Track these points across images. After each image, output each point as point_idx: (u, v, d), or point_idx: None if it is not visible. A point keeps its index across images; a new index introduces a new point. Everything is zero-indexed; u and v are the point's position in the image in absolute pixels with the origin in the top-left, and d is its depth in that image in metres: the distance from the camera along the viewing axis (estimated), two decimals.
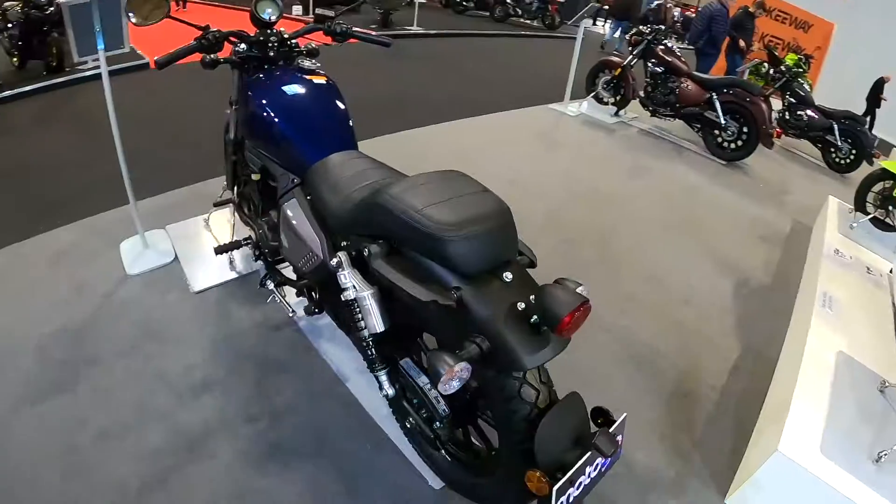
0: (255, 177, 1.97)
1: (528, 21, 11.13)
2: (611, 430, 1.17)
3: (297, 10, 8.97)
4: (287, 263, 2.05)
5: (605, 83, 5.68)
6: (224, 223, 2.74)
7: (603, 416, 1.25)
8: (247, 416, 1.80)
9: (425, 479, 1.70)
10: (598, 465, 1.15)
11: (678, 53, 5.32)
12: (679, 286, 3.11)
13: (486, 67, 7.55)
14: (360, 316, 1.39)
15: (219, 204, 2.40)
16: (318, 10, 2.08)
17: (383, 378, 1.49)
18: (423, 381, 1.43)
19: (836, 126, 5.59)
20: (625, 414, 1.26)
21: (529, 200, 3.78)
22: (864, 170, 5.83)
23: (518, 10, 10.81)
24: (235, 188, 2.31)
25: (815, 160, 6.13)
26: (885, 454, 1.79)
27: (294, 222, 1.65)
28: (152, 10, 1.75)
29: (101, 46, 2.04)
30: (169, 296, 2.30)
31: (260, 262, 2.19)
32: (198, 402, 1.82)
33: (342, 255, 1.39)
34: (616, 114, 5.84)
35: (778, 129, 5.59)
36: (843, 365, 2.23)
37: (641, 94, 5.47)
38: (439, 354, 1.04)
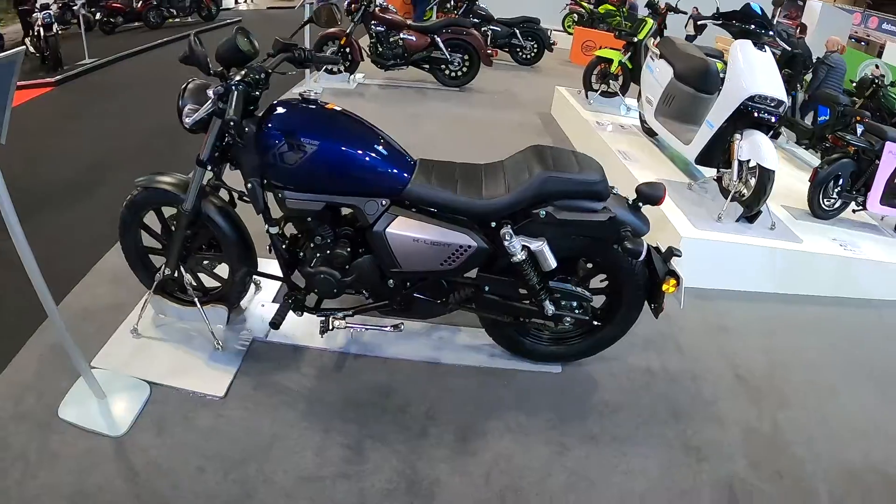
0: (273, 230, 2.10)
1: (186, 18, 10.68)
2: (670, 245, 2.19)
3: None
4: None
5: (332, 53, 6.29)
6: (154, 323, 2.45)
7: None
8: (420, 433, 2.08)
9: (547, 371, 2.45)
10: None
11: (393, 10, 6.30)
12: None
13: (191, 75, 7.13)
14: (530, 269, 2.00)
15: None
16: (281, 39, 2.08)
17: (547, 302, 2.11)
18: (569, 286, 2.14)
19: (517, 31, 7.56)
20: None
21: None
22: (548, 56, 8.13)
23: (172, 10, 10.26)
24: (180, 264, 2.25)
25: (509, 62, 8.15)
26: (720, 214, 3.27)
27: (418, 235, 1.95)
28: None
29: None
30: (199, 421, 2.03)
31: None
32: (370, 464, 1.95)
33: (508, 228, 1.92)
34: (350, 79, 6.54)
35: (495, 50, 7.23)
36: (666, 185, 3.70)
37: (368, 53, 6.28)
38: (630, 242, 1.87)
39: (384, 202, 1.98)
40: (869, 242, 3.49)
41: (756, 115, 3.15)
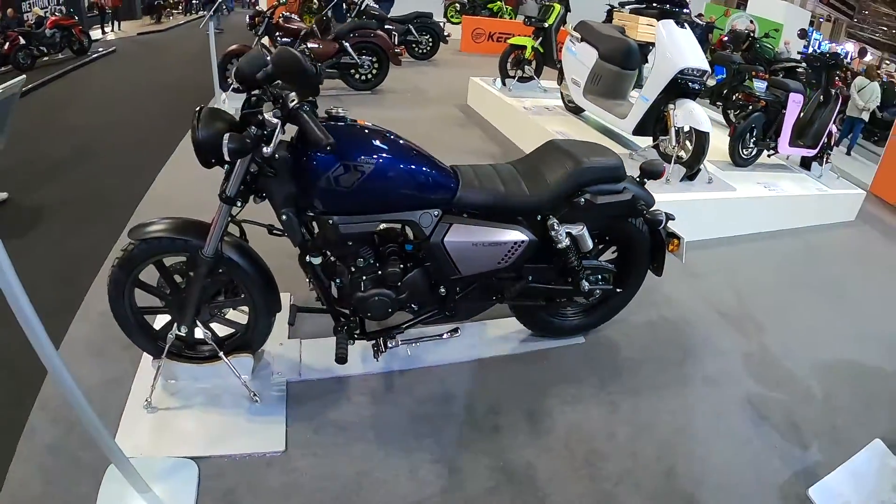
0: (316, 260, 2.08)
1: (56, 55, 9.80)
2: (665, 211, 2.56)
3: None
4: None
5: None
6: (166, 391, 2.24)
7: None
8: (493, 428, 2.27)
9: (574, 343, 2.78)
10: None
11: (297, 20, 6.27)
12: None
13: (100, 115, 6.46)
14: (573, 252, 2.27)
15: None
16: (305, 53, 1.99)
17: (584, 282, 2.39)
18: (596, 262, 2.45)
19: (411, 27, 7.79)
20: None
21: None
22: (443, 48, 8.45)
23: (42, 48, 9.36)
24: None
25: (405, 58, 8.37)
26: (668, 177, 3.80)
27: (476, 239, 2.10)
28: None
29: None
30: (270, 483, 1.94)
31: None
32: (464, 471, 2.09)
33: (554, 219, 2.18)
34: None
35: (403, 48, 7.40)
36: None
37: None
38: (650, 214, 2.29)
39: (436, 213, 2.08)
40: (785, 181, 4.22)
41: (685, 85, 3.67)
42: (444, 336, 2.46)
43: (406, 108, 6.42)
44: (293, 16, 6.27)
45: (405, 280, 2.17)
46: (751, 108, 4.25)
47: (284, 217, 1.95)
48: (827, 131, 4.26)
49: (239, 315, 2.29)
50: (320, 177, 1.88)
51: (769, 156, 4.47)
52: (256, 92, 1.83)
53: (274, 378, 2.33)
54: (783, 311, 3.28)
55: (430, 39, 8.25)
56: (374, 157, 1.92)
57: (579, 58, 4.62)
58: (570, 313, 2.74)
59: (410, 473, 2.02)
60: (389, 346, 2.32)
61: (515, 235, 2.18)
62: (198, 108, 1.87)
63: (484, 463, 2.10)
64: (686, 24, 3.72)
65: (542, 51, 5.69)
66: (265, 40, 6.06)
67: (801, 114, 4.24)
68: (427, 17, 8.11)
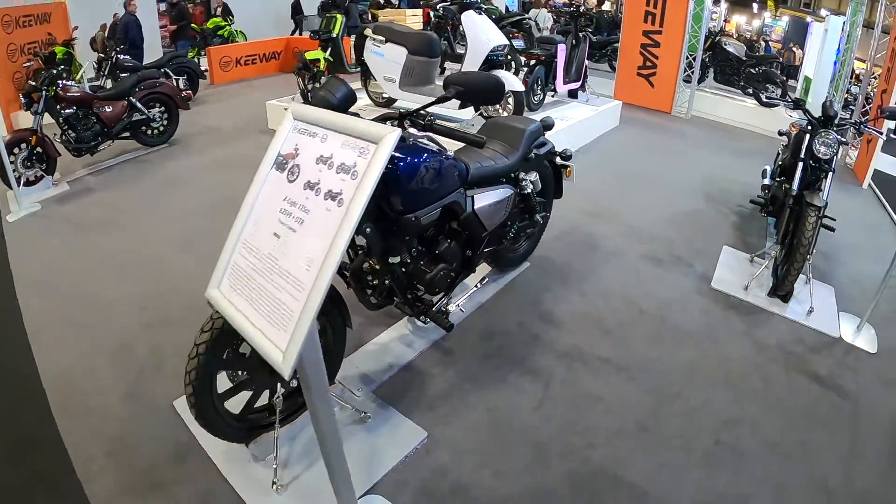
0: (396, 260, 2.31)
1: None
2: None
3: None
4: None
5: (24, 160, 5.30)
6: (281, 465, 2.13)
7: None
8: (533, 336, 3.00)
9: (525, 268, 3.63)
10: None
11: (76, 85, 5.61)
12: None
13: None
14: (534, 195, 3.06)
15: None
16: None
17: (537, 216, 3.17)
18: (538, 197, 3.25)
19: (168, 70, 7.53)
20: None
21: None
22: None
23: None
24: None
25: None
26: None
27: (490, 200, 2.68)
28: None
29: None
30: (438, 459, 2.21)
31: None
32: (544, 371, 2.91)
33: (522, 173, 2.92)
34: (54, 182, 5.52)
35: (189, 91, 7.01)
36: None
37: (62, 144, 5.47)
38: (562, 153, 3.26)
39: (461, 191, 2.52)
40: (569, 111, 5.70)
41: (496, 59, 4.71)
42: (478, 286, 3.05)
43: (217, 147, 6.25)
44: (71, 83, 5.64)
45: (450, 251, 2.58)
46: (532, 63, 5.55)
47: (369, 230, 2.14)
48: (584, 66, 5.78)
49: None
50: (412, 180, 2.14)
51: (552, 97, 5.86)
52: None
53: (359, 393, 2.51)
54: (622, 198, 4.67)
55: (188, 79, 7.99)
56: (437, 154, 2.28)
57: (388, 57, 5.22)
58: (517, 246, 3.57)
59: (517, 390, 2.62)
60: (450, 310, 2.72)
61: (507, 191, 2.89)
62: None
63: (549, 359, 2.82)
64: (482, 11, 4.72)
65: (332, 60, 6.20)
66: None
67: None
68: (182, 57, 7.85)
